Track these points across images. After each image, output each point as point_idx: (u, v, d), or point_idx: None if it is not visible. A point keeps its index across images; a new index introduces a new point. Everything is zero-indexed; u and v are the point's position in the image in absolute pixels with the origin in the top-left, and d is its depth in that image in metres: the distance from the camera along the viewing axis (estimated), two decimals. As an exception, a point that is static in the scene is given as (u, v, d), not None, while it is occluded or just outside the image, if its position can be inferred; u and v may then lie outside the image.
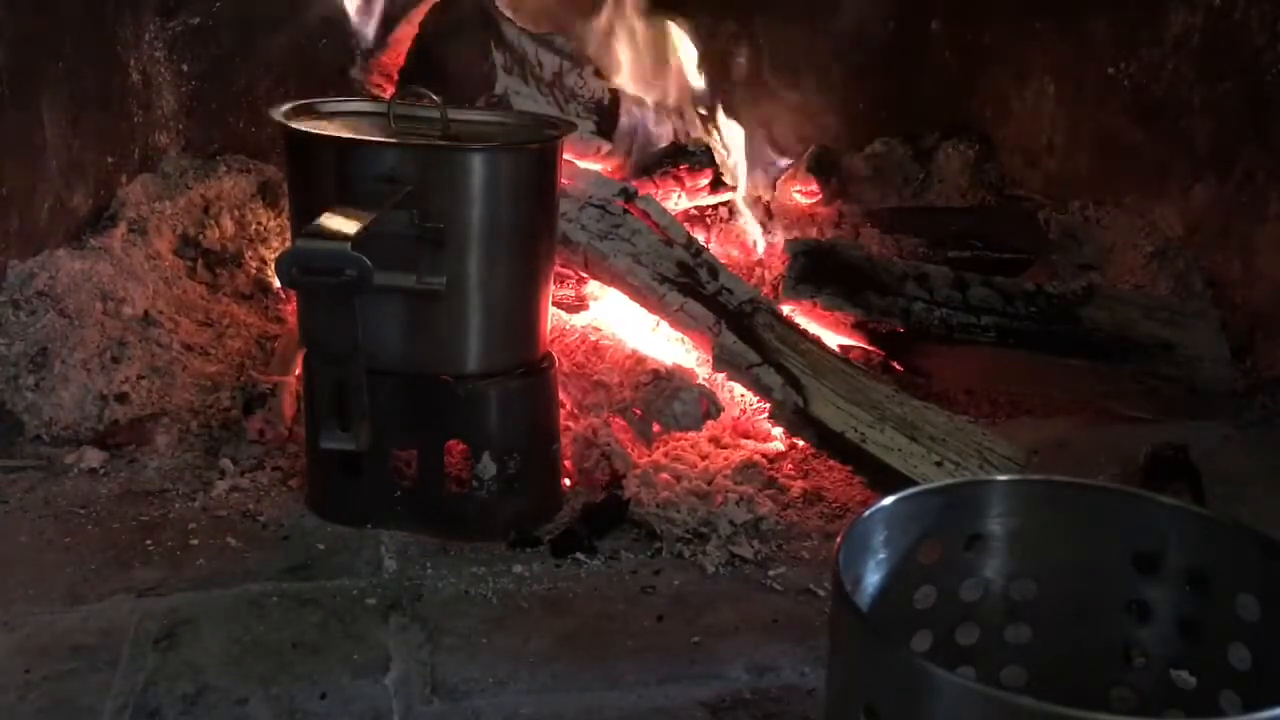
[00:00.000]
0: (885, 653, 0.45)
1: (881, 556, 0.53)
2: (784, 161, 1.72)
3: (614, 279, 1.22)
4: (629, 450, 1.10)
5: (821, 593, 0.94)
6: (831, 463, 1.12)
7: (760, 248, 1.46)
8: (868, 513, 0.53)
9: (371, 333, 0.88)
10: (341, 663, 0.82)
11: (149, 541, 0.98)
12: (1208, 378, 1.29)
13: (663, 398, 1.15)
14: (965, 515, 0.57)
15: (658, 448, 1.13)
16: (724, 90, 1.69)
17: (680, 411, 1.14)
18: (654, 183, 1.45)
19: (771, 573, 0.97)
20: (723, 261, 1.27)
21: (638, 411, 1.16)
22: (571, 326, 1.28)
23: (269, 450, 1.12)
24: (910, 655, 0.43)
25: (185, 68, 1.50)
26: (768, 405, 1.15)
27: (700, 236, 1.38)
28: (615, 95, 1.48)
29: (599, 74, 1.49)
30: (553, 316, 1.13)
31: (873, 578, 0.53)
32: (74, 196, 1.32)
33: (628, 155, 1.46)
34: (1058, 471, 1.09)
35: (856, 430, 1.09)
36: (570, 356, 1.23)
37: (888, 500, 0.54)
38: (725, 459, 1.11)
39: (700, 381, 1.19)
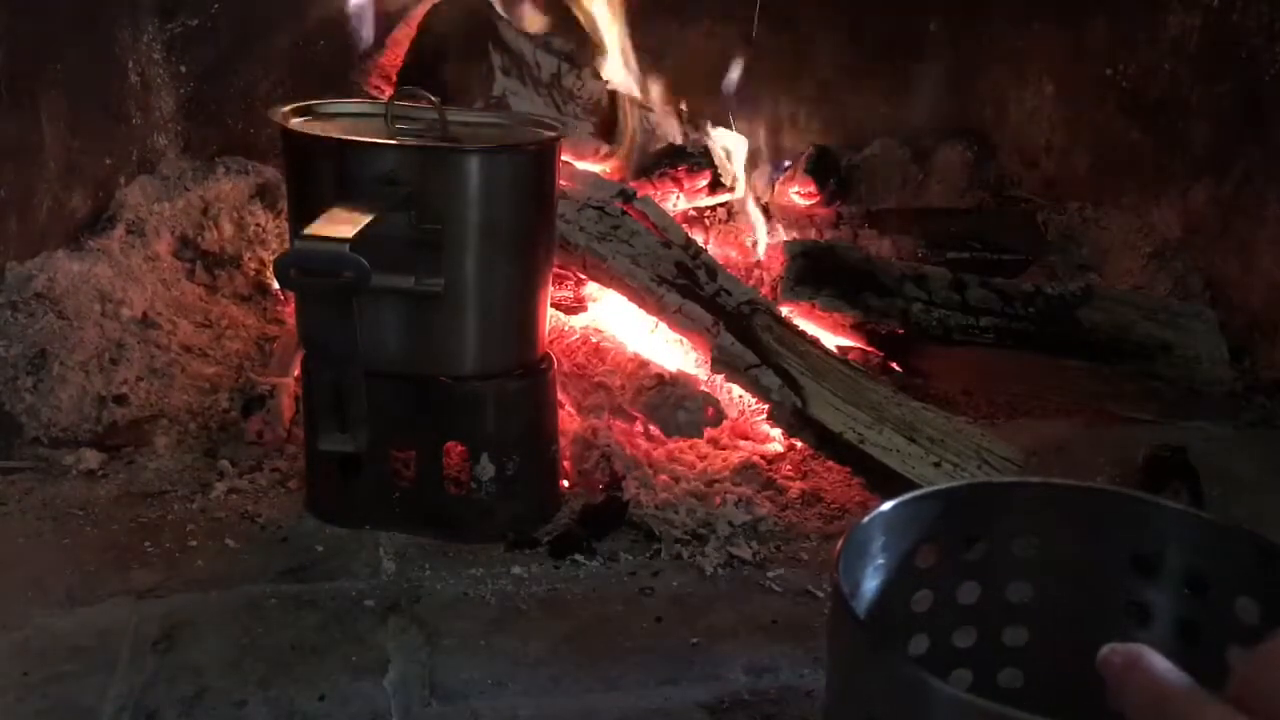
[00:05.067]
0: (885, 664, 0.45)
1: (880, 562, 0.53)
2: (784, 163, 1.72)
3: (612, 280, 1.22)
4: (628, 451, 1.10)
5: (820, 594, 0.94)
6: (830, 464, 1.12)
7: (759, 248, 1.46)
8: (866, 519, 0.52)
9: (370, 334, 0.88)
10: (340, 664, 0.82)
11: (148, 543, 0.97)
12: (1206, 378, 1.29)
13: (667, 405, 1.15)
14: (963, 518, 0.57)
15: (656, 449, 1.13)
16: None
17: (684, 420, 1.14)
18: (652, 184, 1.45)
19: (770, 574, 0.97)
20: (721, 263, 1.27)
21: (637, 416, 1.16)
22: (571, 328, 1.28)
23: (267, 452, 1.12)
24: (911, 668, 0.43)
25: (184, 69, 1.50)
26: (766, 406, 1.15)
27: (699, 238, 1.38)
28: (614, 96, 1.48)
29: (597, 75, 1.49)
30: (551, 318, 1.13)
31: (871, 583, 0.53)
32: (72, 198, 1.32)
33: (626, 156, 1.46)
34: (1056, 473, 1.10)
35: (855, 431, 1.09)
36: (570, 357, 1.24)
37: (886, 505, 0.54)
38: (724, 460, 1.11)
39: (704, 388, 1.19)
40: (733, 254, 1.45)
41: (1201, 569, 0.56)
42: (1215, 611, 0.55)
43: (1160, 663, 0.39)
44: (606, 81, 1.50)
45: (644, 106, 1.53)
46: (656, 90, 1.62)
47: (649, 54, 1.62)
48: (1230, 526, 0.55)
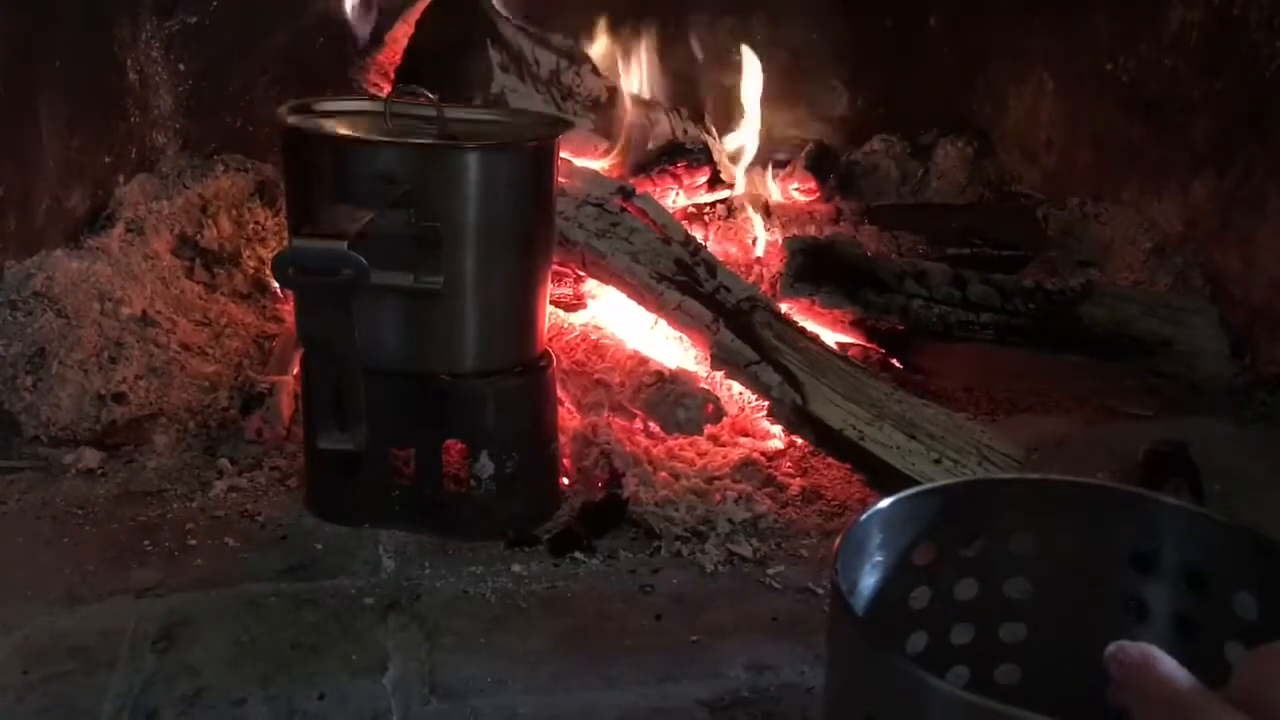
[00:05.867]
0: (883, 662, 0.45)
1: (878, 559, 0.53)
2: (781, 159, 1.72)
3: (612, 277, 1.22)
4: (628, 448, 1.10)
5: (820, 591, 0.94)
6: (830, 460, 1.12)
7: (759, 245, 1.46)
8: (864, 516, 0.52)
9: (369, 332, 0.88)
10: (340, 663, 0.82)
11: (147, 542, 0.97)
12: (1207, 374, 1.29)
13: (667, 402, 1.15)
14: (961, 515, 0.57)
15: (656, 446, 1.13)
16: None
17: (684, 418, 1.14)
18: (652, 180, 1.44)
19: (770, 571, 0.97)
20: (721, 259, 1.27)
21: (637, 413, 1.16)
22: (570, 325, 1.28)
23: (267, 450, 1.12)
24: (909, 666, 0.43)
25: (182, 67, 1.50)
26: (766, 403, 1.15)
27: (698, 234, 1.37)
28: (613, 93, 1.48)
29: (596, 71, 1.49)
30: (551, 315, 1.13)
31: (869, 580, 0.53)
32: (71, 197, 1.32)
33: (625, 153, 1.46)
34: (1056, 469, 1.09)
35: (855, 428, 1.09)
36: (570, 355, 1.23)
37: (884, 503, 0.53)
38: (724, 457, 1.11)
39: (703, 385, 1.19)
40: (732, 250, 1.45)
41: (1200, 565, 0.56)
42: (1214, 608, 0.55)
43: (1169, 663, 0.39)
44: (605, 78, 1.50)
45: (644, 103, 1.53)
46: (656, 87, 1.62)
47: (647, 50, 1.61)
48: (1229, 523, 0.55)
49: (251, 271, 1.38)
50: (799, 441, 1.14)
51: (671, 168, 1.45)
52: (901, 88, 1.88)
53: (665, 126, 1.51)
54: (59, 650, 0.83)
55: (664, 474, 1.07)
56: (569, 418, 1.14)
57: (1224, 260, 1.43)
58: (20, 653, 0.82)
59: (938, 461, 1.06)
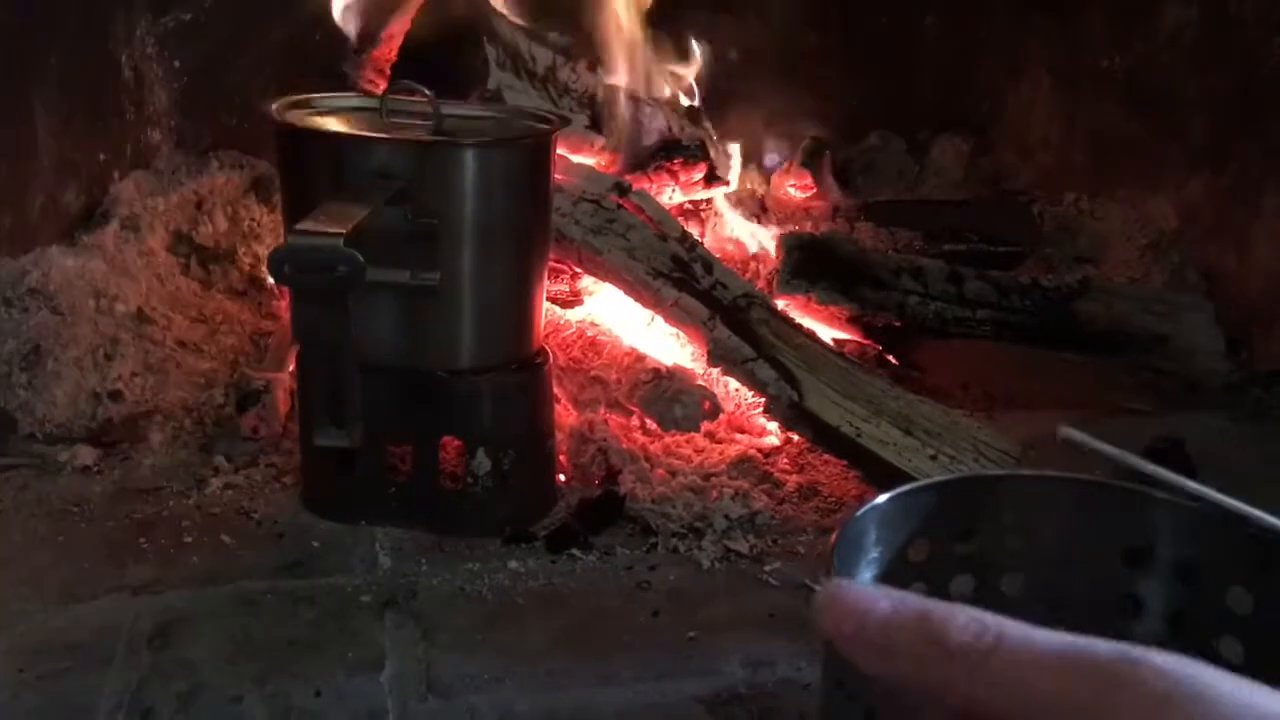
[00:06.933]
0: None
1: (874, 555, 0.53)
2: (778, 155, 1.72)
3: (608, 274, 1.22)
4: (625, 445, 1.10)
5: (817, 587, 0.94)
6: (827, 457, 1.12)
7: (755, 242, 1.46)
8: (860, 512, 0.52)
9: (365, 329, 0.87)
10: (337, 660, 0.82)
11: (143, 539, 0.97)
12: (1203, 370, 1.30)
13: (664, 399, 1.15)
14: (957, 512, 0.57)
15: (653, 443, 1.12)
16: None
17: (681, 415, 1.14)
18: (648, 177, 1.44)
19: (767, 567, 0.97)
20: (717, 256, 1.26)
21: (634, 410, 1.16)
22: (567, 321, 1.28)
23: (263, 447, 1.12)
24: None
25: (177, 64, 1.50)
26: (763, 400, 1.15)
27: (695, 231, 1.37)
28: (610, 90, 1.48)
29: (592, 68, 1.49)
30: (547, 311, 1.13)
31: (864, 577, 0.53)
32: (66, 194, 1.32)
33: (619, 149, 1.45)
34: (1053, 465, 1.09)
35: (851, 424, 1.09)
36: (567, 351, 1.23)
37: (880, 499, 0.53)
38: (721, 453, 1.11)
39: (700, 383, 1.19)
40: (729, 247, 1.45)
41: (1195, 560, 0.56)
42: (1208, 603, 0.55)
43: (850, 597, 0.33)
44: (602, 74, 1.50)
45: (639, 99, 1.52)
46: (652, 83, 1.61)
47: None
48: (1221, 515, 0.55)
49: (247, 268, 1.38)
50: (796, 438, 1.14)
51: (668, 164, 1.45)
52: (898, 84, 1.87)
53: (661, 122, 1.51)
54: (55, 648, 0.82)
55: (661, 471, 1.07)
56: (566, 414, 1.14)
57: (1220, 256, 1.43)
58: (16, 650, 0.82)
59: (934, 458, 1.06)
